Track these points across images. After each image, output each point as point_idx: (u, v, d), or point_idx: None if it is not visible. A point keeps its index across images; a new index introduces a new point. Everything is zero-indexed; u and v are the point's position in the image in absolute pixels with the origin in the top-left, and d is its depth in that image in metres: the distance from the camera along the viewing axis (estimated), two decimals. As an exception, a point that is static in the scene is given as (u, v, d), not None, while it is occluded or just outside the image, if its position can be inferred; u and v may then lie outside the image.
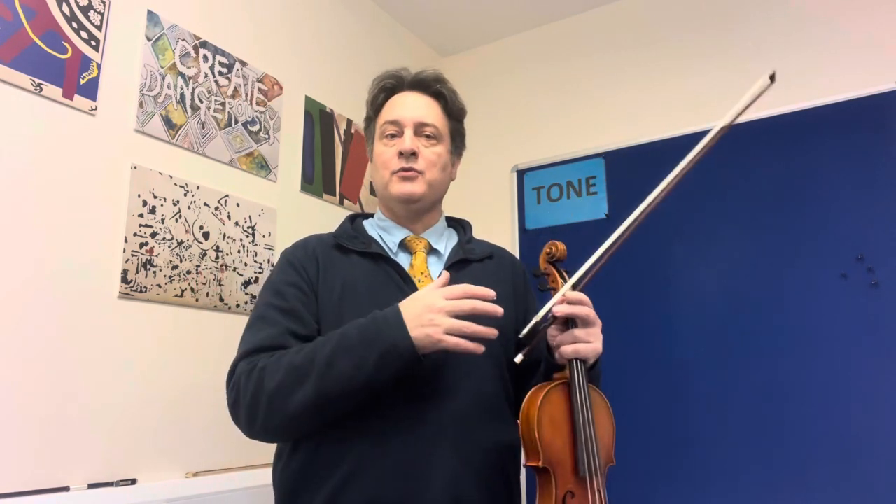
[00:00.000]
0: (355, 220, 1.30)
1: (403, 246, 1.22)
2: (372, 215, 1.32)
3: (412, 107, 1.21)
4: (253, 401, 1.00)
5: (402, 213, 1.23)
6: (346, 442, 1.03)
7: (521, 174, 2.57)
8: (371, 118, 1.27)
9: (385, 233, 1.25)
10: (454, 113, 1.26)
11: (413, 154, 1.17)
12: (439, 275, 1.14)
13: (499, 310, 0.98)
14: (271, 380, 0.99)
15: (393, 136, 1.20)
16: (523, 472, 1.18)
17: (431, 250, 1.23)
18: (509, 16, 2.73)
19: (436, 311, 0.96)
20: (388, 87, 1.24)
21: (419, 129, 1.20)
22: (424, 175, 1.19)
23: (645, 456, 2.07)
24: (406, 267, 1.18)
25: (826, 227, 1.94)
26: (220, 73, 1.90)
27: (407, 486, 1.01)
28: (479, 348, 0.97)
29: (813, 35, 2.16)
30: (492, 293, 0.99)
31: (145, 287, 1.61)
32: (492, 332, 0.97)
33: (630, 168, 2.29)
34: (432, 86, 1.24)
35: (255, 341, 1.07)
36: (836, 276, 1.89)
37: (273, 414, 1.00)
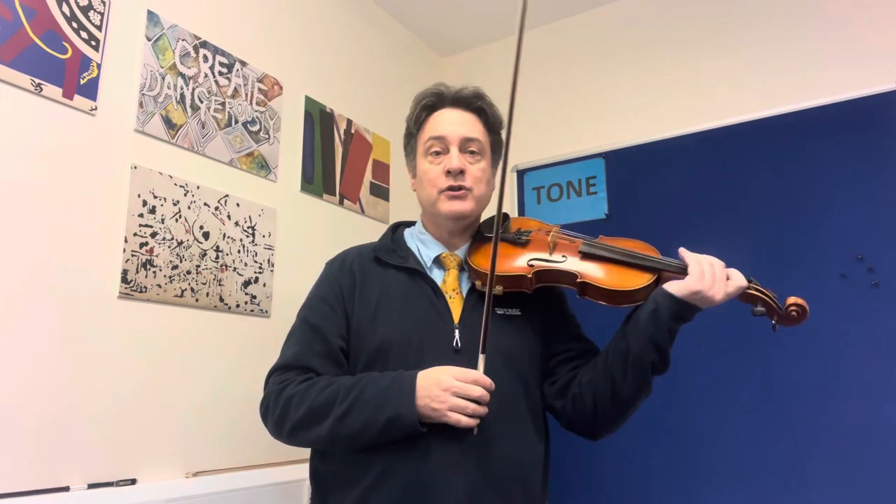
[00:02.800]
0: (397, 229, 1.35)
1: (437, 261, 1.27)
2: (414, 223, 1.37)
3: (457, 123, 1.25)
4: (279, 421, 1.15)
5: (449, 228, 1.27)
6: (376, 448, 1.10)
7: (521, 174, 2.57)
8: (413, 134, 1.31)
9: (423, 246, 1.29)
10: (494, 127, 1.30)
11: (461, 172, 1.21)
12: (468, 289, 1.23)
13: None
14: (296, 411, 1.13)
15: (438, 153, 1.24)
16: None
17: (463, 267, 1.28)
18: (509, 16, 2.73)
19: (444, 388, 1.05)
20: (430, 104, 1.28)
21: (464, 145, 1.23)
22: (472, 192, 1.23)
23: (643, 455, 2.07)
24: (439, 282, 1.23)
25: (826, 227, 1.93)
26: (220, 73, 1.90)
27: (428, 494, 1.06)
28: (472, 422, 1.05)
29: (813, 34, 2.16)
30: (492, 385, 1.07)
31: (145, 287, 1.61)
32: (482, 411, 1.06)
33: (630, 168, 2.28)
34: (474, 102, 1.28)
35: (284, 358, 1.22)
36: (836, 276, 1.89)
37: (294, 437, 1.16)
